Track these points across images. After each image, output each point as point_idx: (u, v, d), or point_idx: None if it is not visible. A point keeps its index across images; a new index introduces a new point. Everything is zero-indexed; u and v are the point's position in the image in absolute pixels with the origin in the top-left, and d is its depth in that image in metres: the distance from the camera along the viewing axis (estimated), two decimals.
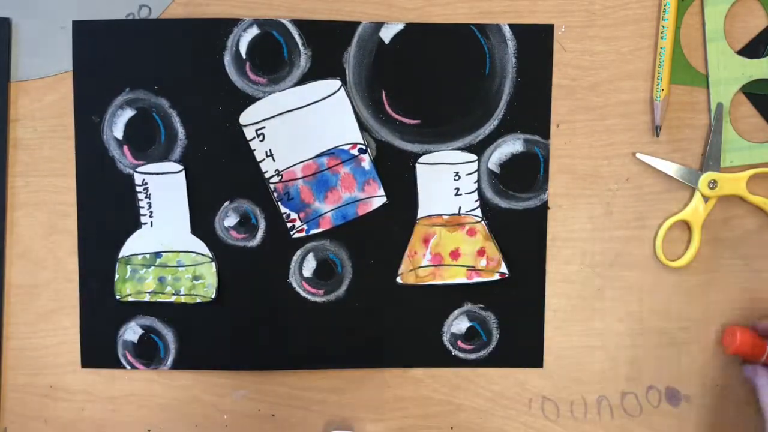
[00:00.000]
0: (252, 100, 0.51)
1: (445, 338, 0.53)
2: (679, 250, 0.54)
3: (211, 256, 0.53)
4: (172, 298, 0.53)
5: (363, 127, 0.52)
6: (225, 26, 0.51)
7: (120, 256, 0.52)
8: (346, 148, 0.52)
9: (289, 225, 0.52)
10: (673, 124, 0.53)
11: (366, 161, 0.52)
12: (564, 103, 0.52)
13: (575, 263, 0.53)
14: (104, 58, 0.52)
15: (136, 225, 0.52)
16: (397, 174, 0.52)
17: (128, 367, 0.53)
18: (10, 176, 0.52)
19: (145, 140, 0.52)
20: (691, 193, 0.53)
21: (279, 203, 0.52)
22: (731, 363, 0.54)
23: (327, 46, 0.51)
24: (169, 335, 0.53)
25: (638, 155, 0.53)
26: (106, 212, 0.52)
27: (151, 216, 0.52)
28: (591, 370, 0.54)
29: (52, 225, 0.53)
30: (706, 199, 0.52)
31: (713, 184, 0.52)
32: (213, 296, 0.53)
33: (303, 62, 0.51)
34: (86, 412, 0.53)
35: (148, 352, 0.53)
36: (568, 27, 0.52)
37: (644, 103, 0.53)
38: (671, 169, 0.52)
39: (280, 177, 0.52)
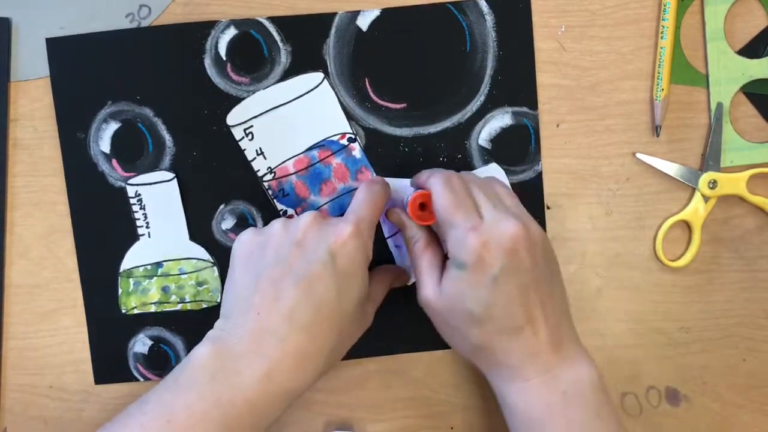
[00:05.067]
0: (237, 100, 0.51)
1: None
2: (679, 250, 0.54)
3: (212, 260, 0.53)
4: (178, 306, 0.53)
5: (350, 117, 0.52)
6: (202, 30, 0.51)
7: (121, 270, 0.52)
8: (335, 138, 0.52)
9: None
10: (673, 124, 0.53)
11: (356, 150, 0.52)
12: (564, 103, 0.52)
13: (575, 263, 0.53)
14: (82, 74, 0.51)
15: (134, 237, 0.52)
16: (389, 159, 0.52)
17: (141, 379, 0.53)
18: (10, 176, 0.52)
19: (133, 152, 0.52)
20: (691, 193, 0.53)
21: (274, 201, 0.52)
22: (731, 363, 0.54)
23: (306, 40, 0.51)
24: (178, 343, 0.53)
25: (638, 155, 0.53)
26: (103, 228, 0.52)
27: (147, 227, 0.52)
28: None
29: (52, 225, 0.53)
30: (706, 199, 0.52)
31: (713, 184, 0.52)
32: (218, 300, 0.52)
33: (284, 58, 0.51)
34: (86, 412, 0.53)
35: (159, 363, 0.53)
36: (568, 27, 0.52)
37: (644, 103, 0.53)
38: (671, 169, 0.52)
39: (273, 174, 0.52)
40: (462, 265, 0.43)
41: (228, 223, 0.52)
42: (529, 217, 0.46)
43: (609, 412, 0.43)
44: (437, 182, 0.45)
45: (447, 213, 0.44)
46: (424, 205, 0.46)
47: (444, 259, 0.46)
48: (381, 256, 0.52)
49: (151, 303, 0.53)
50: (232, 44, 0.51)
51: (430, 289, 0.45)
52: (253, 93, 0.51)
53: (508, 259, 0.42)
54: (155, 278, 0.52)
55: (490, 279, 0.42)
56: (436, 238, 0.47)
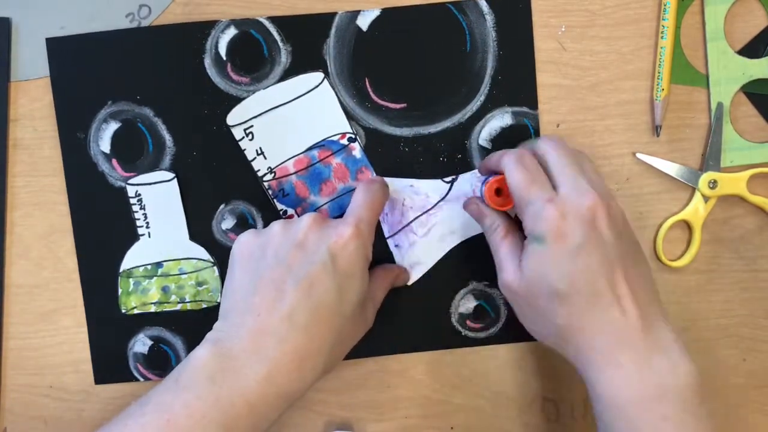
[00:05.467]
0: (237, 100, 0.51)
1: (454, 319, 0.53)
2: (679, 250, 0.54)
3: (212, 260, 0.53)
4: (178, 306, 0.53)
5: (350, 117, 0.52)
6: (202, 30, 0.51)
7: (121, 270, 0.52)
8: (335, 138, 0.52)
9: None
10: (673, 124, 0.53)
11: (357, 150, 0.52)
12: (564, 103, 0.52)
13: None
14: (82, 74, 0.51)
15: (134, 237, 0.52)
16: (389, 159, 0.52)
17: (141, 379, 0.53)
18: (10, 176, 0.52)
19: (134, 151, 0.52)
20: (691, 193, 0.53)
21: (274, 200, 0.52)
22: (731, 363, 0.54)
23: (306, 40, 0.51)
24: (178, 343, 0.53)
25: (638, 155, 0.53)
26: (103, 228, 0.52)
27: (148, 227, 0.52)
28: None
29: (52, 225, 0.53)
30: (706, 199, 0.52)
31: (713, 184, 0.52)
32: (218, 300, 0.52)
33: (284, 58, 0.51)
34: (86, 412, 0.53)
35: (159, 363, 0.53)
36: (568, 27, 0.52)
37: (644, 103, 0.53)
38: (671, 169, 0.52)
39: (273, 174, 0.52)
40: (541, 238, 0.42)
41: (228, 223, 0.52)
42: (610, 192, 0.44)
43: (705, 412, 0.40)
44: (509, 162, 0.44)
45: (522, 190, 0.43)
46: (500, 190, 0.46)
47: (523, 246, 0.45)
48: (381, 256, 0.52)
49: (151, 303, 0.53)
50: (232, 44, 0.51)
51: (511, 273, 0.44)
52: (253, 93, 0.51)
53: (587, 229, 0.41)
54: (155, 278, 0.52)
55: (570, 250, 0.41)
56: (515, 226, 0.47)
